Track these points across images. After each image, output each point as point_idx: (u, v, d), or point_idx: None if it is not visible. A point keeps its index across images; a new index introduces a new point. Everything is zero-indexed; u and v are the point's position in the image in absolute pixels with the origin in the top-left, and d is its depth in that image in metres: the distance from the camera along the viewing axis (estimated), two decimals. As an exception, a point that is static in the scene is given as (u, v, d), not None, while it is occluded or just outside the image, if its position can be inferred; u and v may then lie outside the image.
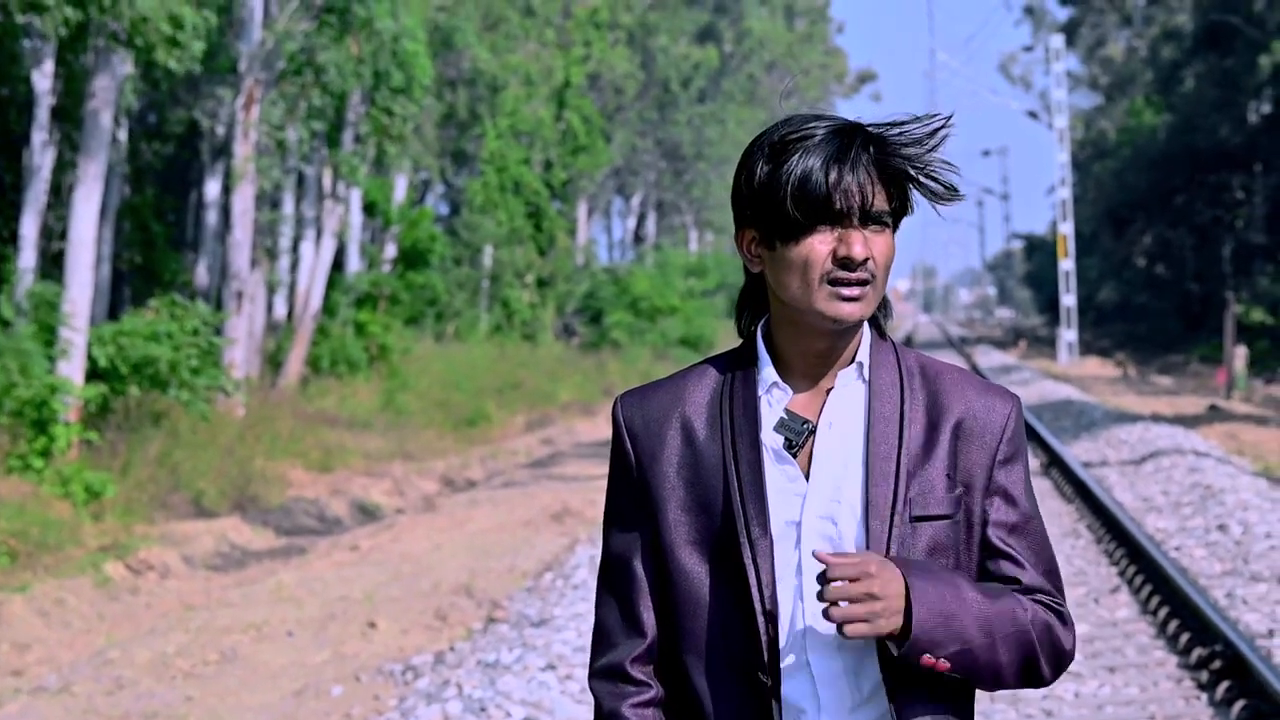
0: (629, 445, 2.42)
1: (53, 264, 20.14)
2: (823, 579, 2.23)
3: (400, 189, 32.82)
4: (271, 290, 27.25)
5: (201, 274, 25.78)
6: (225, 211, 24.46)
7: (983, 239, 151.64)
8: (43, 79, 18.58)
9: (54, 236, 20.76)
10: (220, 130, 25.43)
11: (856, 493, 2.33)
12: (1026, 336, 62.76)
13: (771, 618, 2.30)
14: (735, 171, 2.40)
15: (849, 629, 2.22)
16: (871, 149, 2.31)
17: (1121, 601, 10.27)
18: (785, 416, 2.34)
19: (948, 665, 2.27)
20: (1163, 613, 9.52)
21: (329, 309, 27.17)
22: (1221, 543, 11.82)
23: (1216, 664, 8.11)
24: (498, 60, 37.27)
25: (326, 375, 25.79)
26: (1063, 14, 64.76)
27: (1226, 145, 47.66)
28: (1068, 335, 45.69)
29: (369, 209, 30.82)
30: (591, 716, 2.50)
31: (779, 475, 2.34)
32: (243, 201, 21.50)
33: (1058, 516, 14.25)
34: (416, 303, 31.89)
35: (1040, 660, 2.36)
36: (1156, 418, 22.75)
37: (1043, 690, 8.04)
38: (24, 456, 14.87)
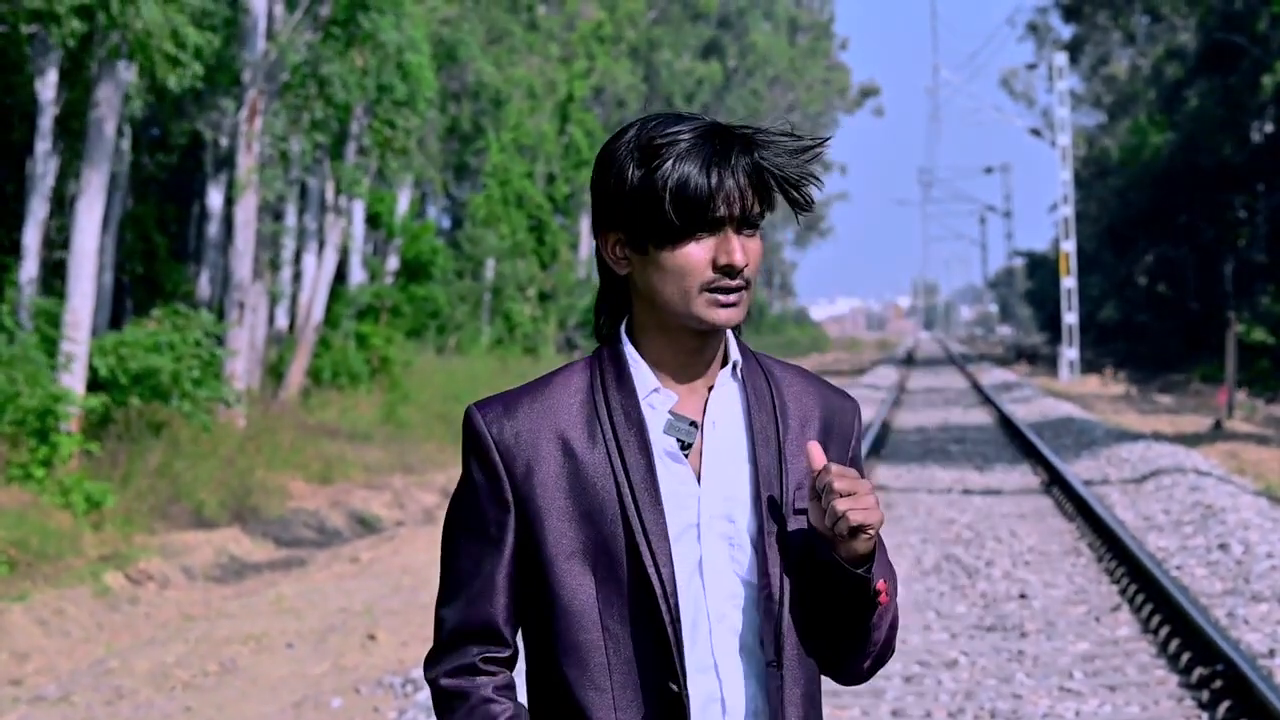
0: (497, 458, 2.34)
1: (54, 274, 20.16)
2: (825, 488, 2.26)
3: (403, 202, 32.85)
4: (273, 302, 27.27)
5: (203, 285, 25.81)
6: (228, 223, 24.49)
7: (984, 256, 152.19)
8: (46, 88, 18.59)
9: (56, 246, 20.78)
10: (223, 141, 25.45)
11: (746, 490, 2.34)
12: (1028, 354, 62.63)
13: (675, 625, 2.28)
14: (597, 173, 2.34)
15: (863, 515, 2.25)
16: (750, 154, 2.29)
17: (1122, 620, 10.25)
18: (672, 418, 2.33)
19: (887, 600, 2.36)
20: (1164, 632, 9.51)
21: (331, 321, 27.19)
22: (1223, 562, 11.81)
23: (1218, 683, 8.10)
24: (501, 74, 37.33)
25: (328, 387, 25.80)
26: (1066, 31, 64.86)
27: (1229, 164, 47.64)
28: (1069, 353, 45.67)
29: (371, 221, 30.87)
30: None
31: (671, 478, 2.32)
32: (245, 213, 21.51)
33: (1058, 534, 14.23)
34: (418, 315, 31.92)
35: (889, 647, 2.46)
36: (1158, 436, 22.74)
37: (1043, 708, 8.02)
38: (25, 466, 14.88)
